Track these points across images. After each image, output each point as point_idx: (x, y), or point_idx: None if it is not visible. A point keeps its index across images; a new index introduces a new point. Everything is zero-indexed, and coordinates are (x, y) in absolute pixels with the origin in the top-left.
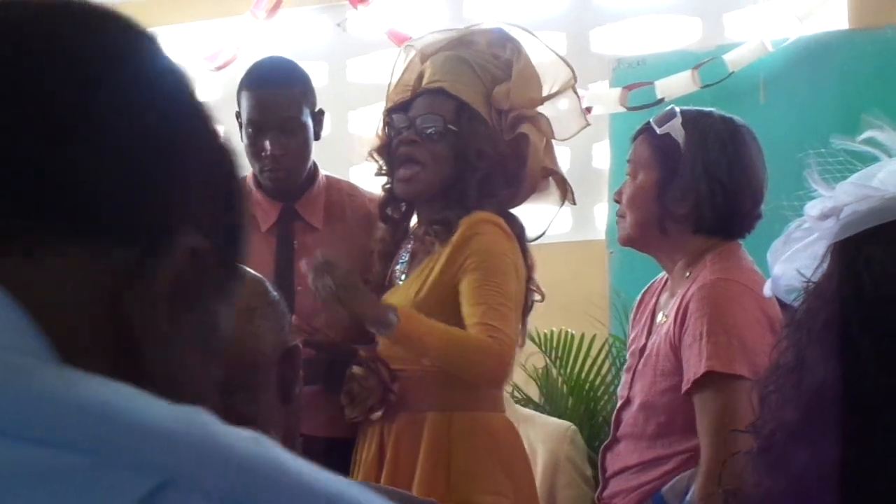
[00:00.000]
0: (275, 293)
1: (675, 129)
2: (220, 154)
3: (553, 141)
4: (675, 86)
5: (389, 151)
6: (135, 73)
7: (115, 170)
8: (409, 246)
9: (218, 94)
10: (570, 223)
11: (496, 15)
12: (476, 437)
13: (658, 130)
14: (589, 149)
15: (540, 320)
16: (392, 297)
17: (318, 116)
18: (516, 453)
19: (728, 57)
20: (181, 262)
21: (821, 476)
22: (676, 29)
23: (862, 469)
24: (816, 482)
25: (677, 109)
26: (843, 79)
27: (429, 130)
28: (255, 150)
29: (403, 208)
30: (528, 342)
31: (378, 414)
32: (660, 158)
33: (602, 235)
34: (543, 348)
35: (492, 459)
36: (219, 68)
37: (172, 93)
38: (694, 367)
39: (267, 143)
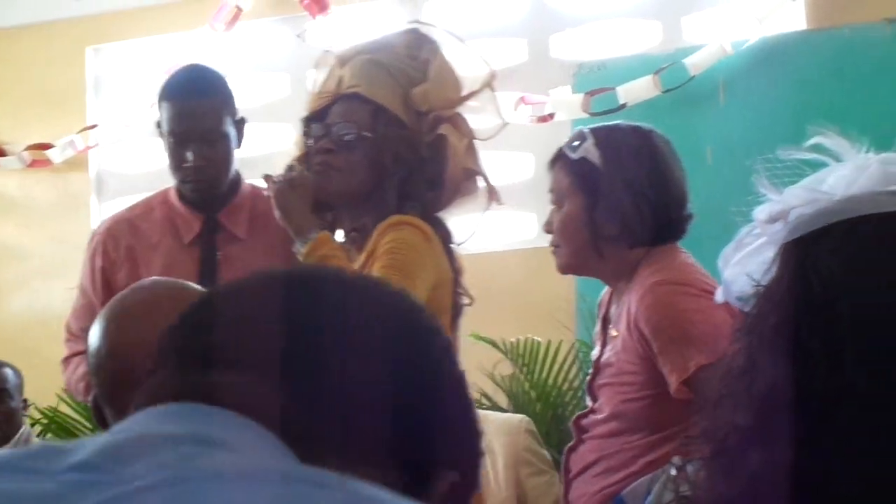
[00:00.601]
0: None
1: (589, 150)
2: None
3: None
4: (637, 90)
5: (308, 160)
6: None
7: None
8: None
9: None
10: (535, 229)
11: (456, 23)
12: None
13: (572, 156)
14: (551, 154)
15: (506, 327)
16: None
17: (240, 125)
18: None
19: (689, 60)
20: (442, 491)
21: (774, 479)
22: (636, 33)
23: (815, 471)
24: (770, 485)
25: (587, 131)
26: (802, 79)
27: (345, 138)
28: (177, 160)
29: (329, 218)
30: (495, 350)
31: None
32: (580, 184)
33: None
34: (510, 356)
35: None
36: None
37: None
38: (679, 370)
39: (189, 154)
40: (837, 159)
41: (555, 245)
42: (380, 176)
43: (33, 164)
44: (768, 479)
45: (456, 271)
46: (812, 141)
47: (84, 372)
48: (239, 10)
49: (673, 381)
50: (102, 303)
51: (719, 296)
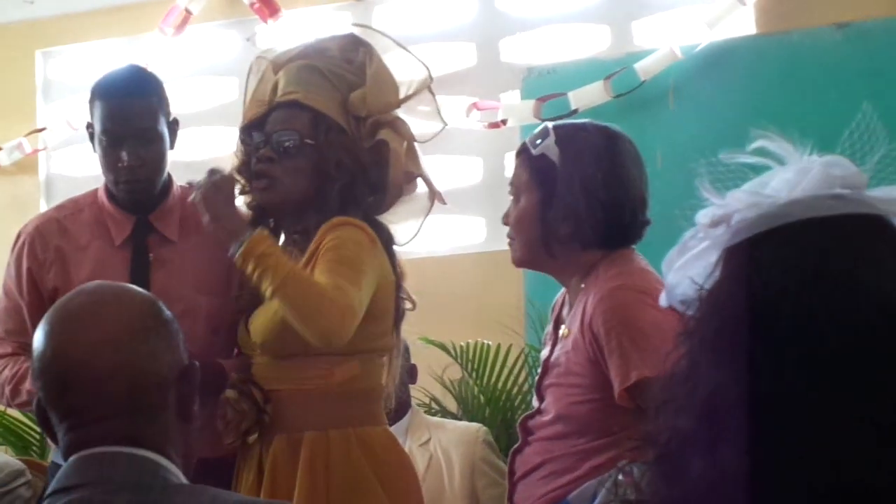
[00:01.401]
0: (168, 312)
1: (550, 148)
2: None
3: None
4: (588, 96)
5: (249, 169)
6: None
7: None
8: None
9: None
10: (484, 234)
11: (405, 26)
12: (353, 454)
13: (533, 151)
14: (501, 159)
15: (455, 331)
16: (259, 314)
17: (173, 126)
18: (398, 466)
19: (639, 66)
20: None
21: (716, 484)
22: (586, 37)
23: (756, 476)
24: (711, 490)
25: (550, 127)
26: (752, 83)
27: (285, 145)
28: (110, 160)
29: (271, 225)
30: (444, 354)
31: (254, 437)
32: (538, 180)
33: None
34: (459, 360)
35: (371, 475)
36: None
37: None
38: (621, 377)
39: (124, 154)
40: (781, 162)
41: (510, 237)
42: (322, 182)
43: None
44: (710, 483)
45: (398, 275)
46: (756, 144)
47: (9, 376)
48: (188, 13)
49: (616, 387)
50: (29, 304)
51: (663, 300)
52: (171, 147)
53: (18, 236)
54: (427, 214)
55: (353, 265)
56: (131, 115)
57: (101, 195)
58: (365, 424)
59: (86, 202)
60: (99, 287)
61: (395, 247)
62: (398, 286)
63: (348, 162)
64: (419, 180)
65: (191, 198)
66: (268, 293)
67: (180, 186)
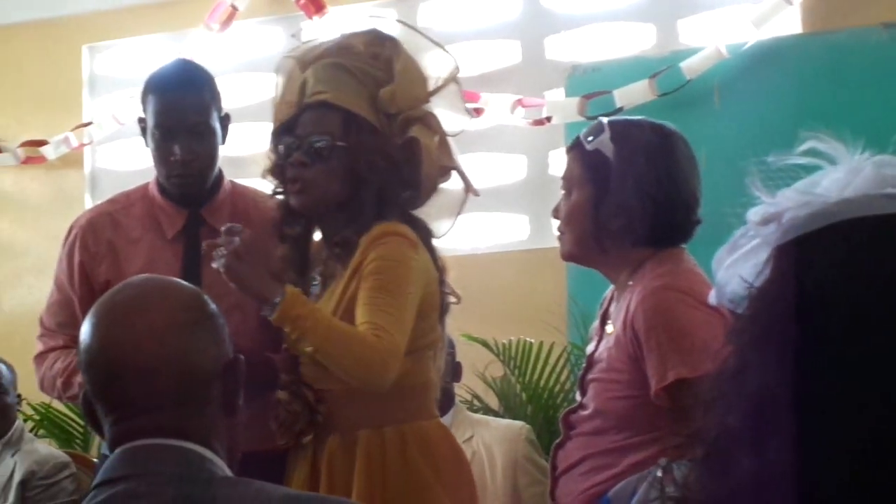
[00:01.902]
0: (213, 306)
1: (604, 143)
2: None
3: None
4: (633, 94)
5: (282, 172)
6: None
7: None
8: (319, 270)
9: None
10: (528, 231)
11: (450, 24)
12: (409, 450)
13: (587, 146)
14: (545, 156)
15: (498, 329)
16: None
17: (225, 121)
18: (452, 459)
19: (685, 64)
20: None
21: (764, 482)
22: (631, 35)
23: (806, 474)
24: (760, 488)
25: (605, 122)
26: (798, 82)
27: (317, 148)
28: (162, 154)
29: (303, 224)
30: (486, 351)
31: (308, 438)
32: (590, 175)
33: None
34: (502, 357)
35: (426, 471)
36: None
37: None
38: (658, 375)
39: (176, 148)
40: (832, 162)
41: (560, 231)
42: (356, 184)
43: (28, 160)
44: (759, 481)
45: (440, 270)
46: (806, 144)
47: (61, 368)
48: (234, 9)
49: (652, 385)
50: (81, 298)
51: (712, 298)
52: (223, 142)
53: (70, 230)
54: (462, 207)
55: (396, 291)
56: (184, 109)
57: (153, 189)
58: (418, 419)
59: (137, 196)
60: (145, 280)
61: (434, 241)
62: (441, 280)
63: (381, 162)
64: (454, 174)
65: (213, 265)
66: (308, 351)
67: (230, 181)
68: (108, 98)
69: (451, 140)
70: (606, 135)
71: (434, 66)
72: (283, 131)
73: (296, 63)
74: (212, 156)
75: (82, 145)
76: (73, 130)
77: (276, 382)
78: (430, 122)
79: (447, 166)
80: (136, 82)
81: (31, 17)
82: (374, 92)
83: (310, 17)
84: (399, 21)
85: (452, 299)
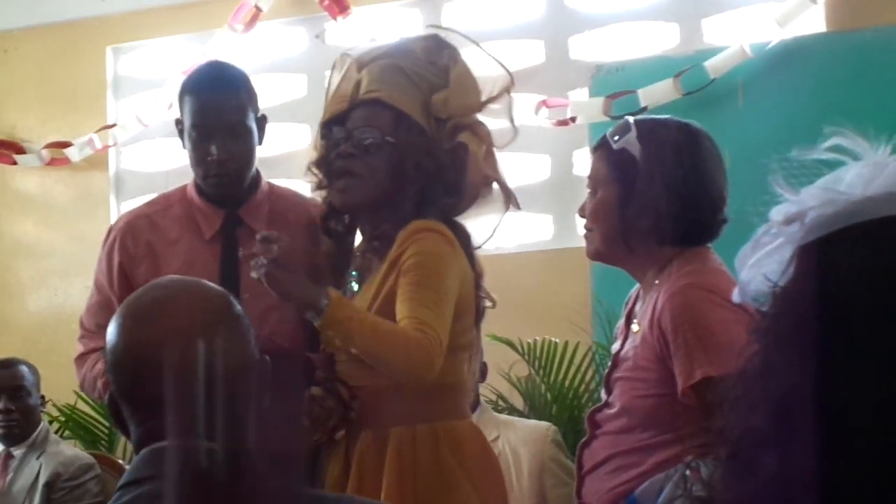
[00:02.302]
0: (238, 307)
1: (631, 142)
2: None
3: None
4: (658, 93)
5: (327, 164)
6: None
7: None
8: (356, 264)
9: None
10: (552, 231)
11: (474, 23)
12: (441, 449)
13: (614, 145)
14: (569, 156)
15: (523, 329)
16: None
17: (262, 122)
18: (483, 459)
19: (709, 63)
20: None
21: (789, 482)
22: (655, 34)
23: (831, 474)
24: (785, 488)
25: (632, 121)
26: (822, 81)
27: (366, 142)
28: (199, 154)
29: (346, 221)
30: (511, 351)
31: (340, 434)
32: (617, 174)
33: (583, 243)
34: (527, 357)
35: (457, 470)
36: None
37: None
38: (685, 374)
39: (213, 148)
40: (855, 158)
41: (586, 230)
42: (400, 183)
43: (52, 162)
44: (783, 481)
45: (477, 274)
46: (830, 141)
47: (101, 369)
48: (258, 10)
49: (679, 384)
50: (120, 299)
51: (735, 296)
52: (260, 142)
53: (109, 232)
54: (502, 218)
55: (436, 286)
56: (220, 109)
57: (191, 190)
58: (451, 418)
59: (175, 198)
60: (171, 281)
61: (473, 247)
62: (478, 284)
63: (427, 163)
64: (495, 184)
65: (252, 274)
66: (353, 351)
67: (268, 182)
68: (133, 99)
69: (497, 153)
70: (633, 134)
71: (489, 78)
72: (333, 124)
73: (353, 61)
74: (248, 156)
75: (106, 147)
76: (97, 132)
77: (313, 381)
78: (479, 131)
79: (490, 176)
80: (160, 83)
81: (56, 18)
82: (428, 96)
83: (333, 18)
84: (459, 32)
85: (488, 303)
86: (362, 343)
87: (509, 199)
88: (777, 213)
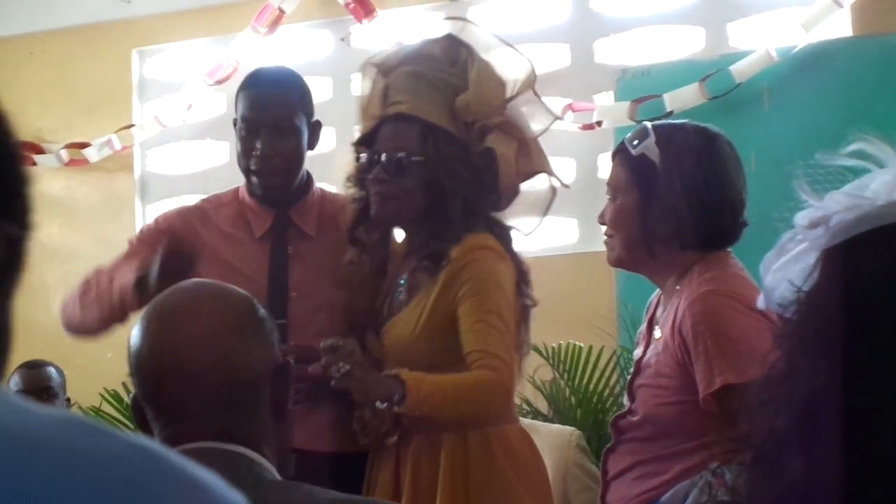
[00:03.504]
0: (263, 311)
1: (650, 148)
2: None
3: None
4: (684, 97)
5: (362, 183)
6: None
7: None
8: (405, 277)
9: (221, 109)
10: (577, 235)
11: (499, 27)
12: (493, 454)
13: (633, 151)
14: (594, 160)
15: (548, 332)
16: (392, 330)
17: (315, 126)
18: (532, 463)
19: (734, 67)
20: None
21: (814, 484)
22: (680, 38)
23: (856, 477)
24: (809, 491)
25: (650, 127)
26: (848, 85)
27: (395, 164)
28: (245, 148)
29: (381, 232)
30: (536, 355)
31: (392, 439)
32: (637, 180)
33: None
34: (551, 361)
35: (509, 474)
36: (218, 82)
37: None
38: (706, 381)
39: (258, 143)
40: (880, 165)
41: (608, 236)
42: (439, 195)
43: (71, 162)
44: (807, 485)
45: (521, 274)
46: (854, 146)
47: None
48: (282, 12)
49: (701, 391)
50: (147, 253)
51: (761, 302)
52: (311, 147)
53: (156, 219)
54: (549, 207)
55: (499, 309)
56: (269, 105)
57: (243, 191)
58: (501, 423)
59: (228, 198)
60: (196, 285)
61: (515, 247)
62: (524, 282)
63: (462, 171)
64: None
65: (333, 384)
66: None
67: (319, 187)
68: (158, 102)
69: (536, 140)
70: (651, 139)
71: (510, 69)
72: (364, 143)
73: (377, 70)
74: (294, 156)
75: (125, 148)
76: (117, 132)
77: None
78: (508, 129)
79: (526, 171)
80: (184, 86)
81: (82, 21)
82: (452, 100)
83: (359, 21)
84: (473, 23)
85: (528, 302)
86: (447, 413)
87: (555, 185)
88: (801, 218)
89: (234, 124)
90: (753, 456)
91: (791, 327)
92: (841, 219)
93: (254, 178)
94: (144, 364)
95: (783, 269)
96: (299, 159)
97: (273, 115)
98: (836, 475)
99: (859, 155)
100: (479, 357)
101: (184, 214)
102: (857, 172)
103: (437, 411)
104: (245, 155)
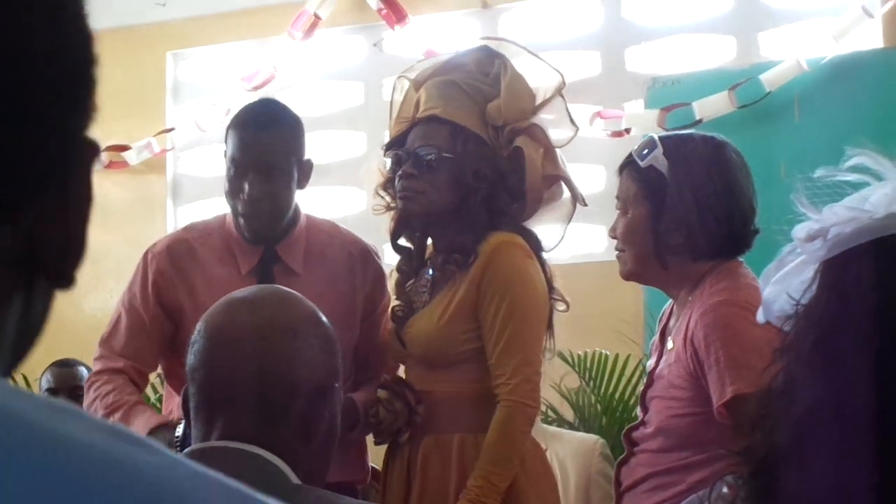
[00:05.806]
0: (329, 329)
1: (658, 160)
2: None
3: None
4: (713, 106)
5: (393, 185)
6: None
7: None
8: (430, 273)
9: None
10: (604, 243)
11: (530, 34)
12: None
13: (641, 163)
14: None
15: (574, 340)
16: (415, 324)
17: (305, 166)
18: (542, 472)
19: (765, 77)
20: None
21: (812, 499)
22: (711, 48)
23: (853, 492)
24: None
25: (657, 139)
26: (878, 96)
27: (426, 160)
28: (233, 189)
29: (418, 235)
30: (562, 363)
31: (405, 437)
32: (647, 192)
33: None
34: (577, 369)
35: (521, 476)
36: (256, 88)
37: None
38: (718, 392)
39: (246, 185)
40: (878, 178)
41: (619, 250)
42: (464, 194)
43: (111, 165)
44: (805, 499)
45: (549, 279)
46: (853, 161)
47: (113, 402)
48: (317, 18)
49: (714, 402)
50: (151, 319)
51: (760, 316)
52: (301, 187)
53: (145, 256)
54: (570, 218)
55: (527, 319)
56: (259, 147)
57: (229, 222)
58: None
59: (215, 226)
60: (268, 286)
61: (543, 253)
62: (550, 289)
63: (487, 171)
64: (563, 186)
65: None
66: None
67: (305, 216)
68: (192, 105)
69: (558, 151)
70: (659, 150)
71: (541, 81)
72: (395, 146)
73: (410, 84)
74: (281, 198)
75: (164, 151)
76: (156, 136)
77: (356, 423)
78: (536, 134)
79: (553, 176)
80: (218, 89)
81: (117, 23)
82: (483, 106)
83: (391, 27)
84: (507, 40)
85: (561, 307)
86: (510, 473)
87: (575, 197)
88: (799, 231)
89: (225, 157)
90: (751, 470)
91: (789, 341)
92: (838, 231)
93: (241, 220)
94: (198, 350)
95: (782, 281)
96: (287, 202)
97: (261, 158)
98: (833, 489)
99: (858, 169)
100: (508, 381)
101: (172, 254)
102: (857, 186)
103: (504, 481)
104: (233, 195)
